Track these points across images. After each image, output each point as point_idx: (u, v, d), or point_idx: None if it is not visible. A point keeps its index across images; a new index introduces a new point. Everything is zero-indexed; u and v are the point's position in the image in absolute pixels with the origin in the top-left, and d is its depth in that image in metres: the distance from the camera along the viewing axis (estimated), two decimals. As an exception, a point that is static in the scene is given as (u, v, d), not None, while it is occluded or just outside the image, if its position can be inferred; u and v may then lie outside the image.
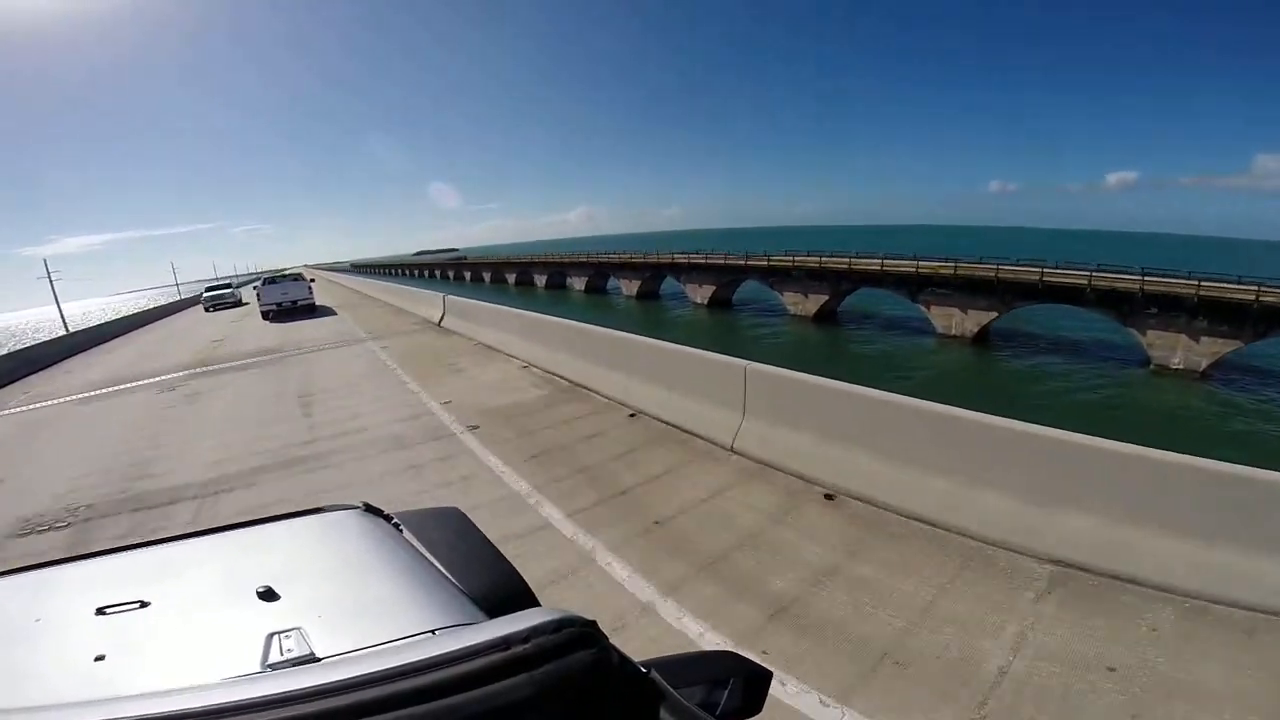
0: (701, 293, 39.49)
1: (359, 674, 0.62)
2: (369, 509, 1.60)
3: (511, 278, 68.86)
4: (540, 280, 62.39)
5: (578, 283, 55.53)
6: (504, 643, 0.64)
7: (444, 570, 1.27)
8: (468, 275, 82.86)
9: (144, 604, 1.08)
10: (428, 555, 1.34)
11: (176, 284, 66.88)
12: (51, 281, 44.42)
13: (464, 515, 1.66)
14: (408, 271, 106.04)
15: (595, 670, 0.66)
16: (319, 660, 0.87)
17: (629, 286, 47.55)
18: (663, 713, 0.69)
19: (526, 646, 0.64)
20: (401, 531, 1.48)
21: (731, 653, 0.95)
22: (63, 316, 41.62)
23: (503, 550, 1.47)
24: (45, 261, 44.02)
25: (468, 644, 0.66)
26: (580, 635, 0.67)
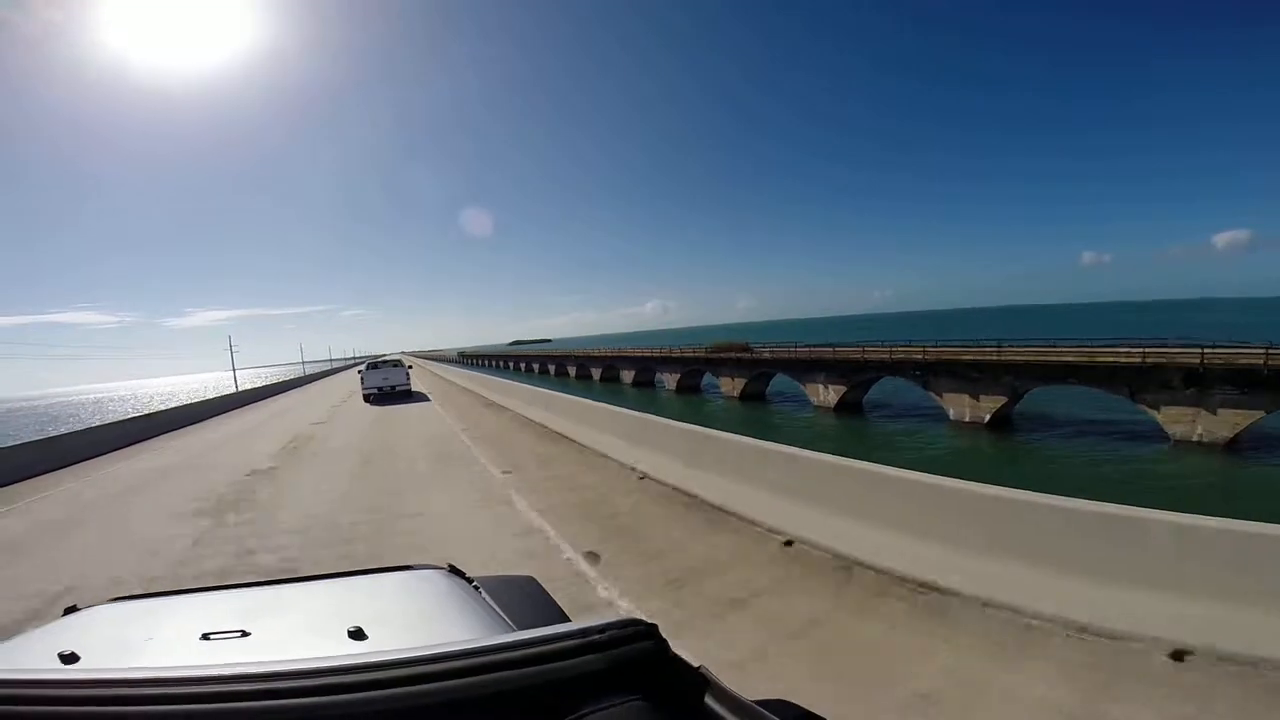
0: (826, 394, 34.22)
1: (453, 648, 0.78)
2: (453, 570, 1.77)
3: (597, 372, 66.29)
4: (627, 376, 59.24)
5: (668, 380, 51.75)
6: (583, 632, 0.81)
7: (516, 628, 1.34)
8: (552, 369, 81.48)
9: (245, 634, 1.18)
10: (503, 615, 1.44)
11: (234, 369, 64.04)
12: None
13: (538, 583, 1.85)
14: (503, 363, 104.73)
15: (654, 656, 0.82)
16: None
17: (730, 385, 42.93)
18: (708, 697, 0.81)
19: (601, 636, 0.81)
20: (480, 592, 1.61)
21: (785, 701, 0.98)
22: None
23: None
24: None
25: (555, 631, 0.84)
26: (644, 631, 0.83)
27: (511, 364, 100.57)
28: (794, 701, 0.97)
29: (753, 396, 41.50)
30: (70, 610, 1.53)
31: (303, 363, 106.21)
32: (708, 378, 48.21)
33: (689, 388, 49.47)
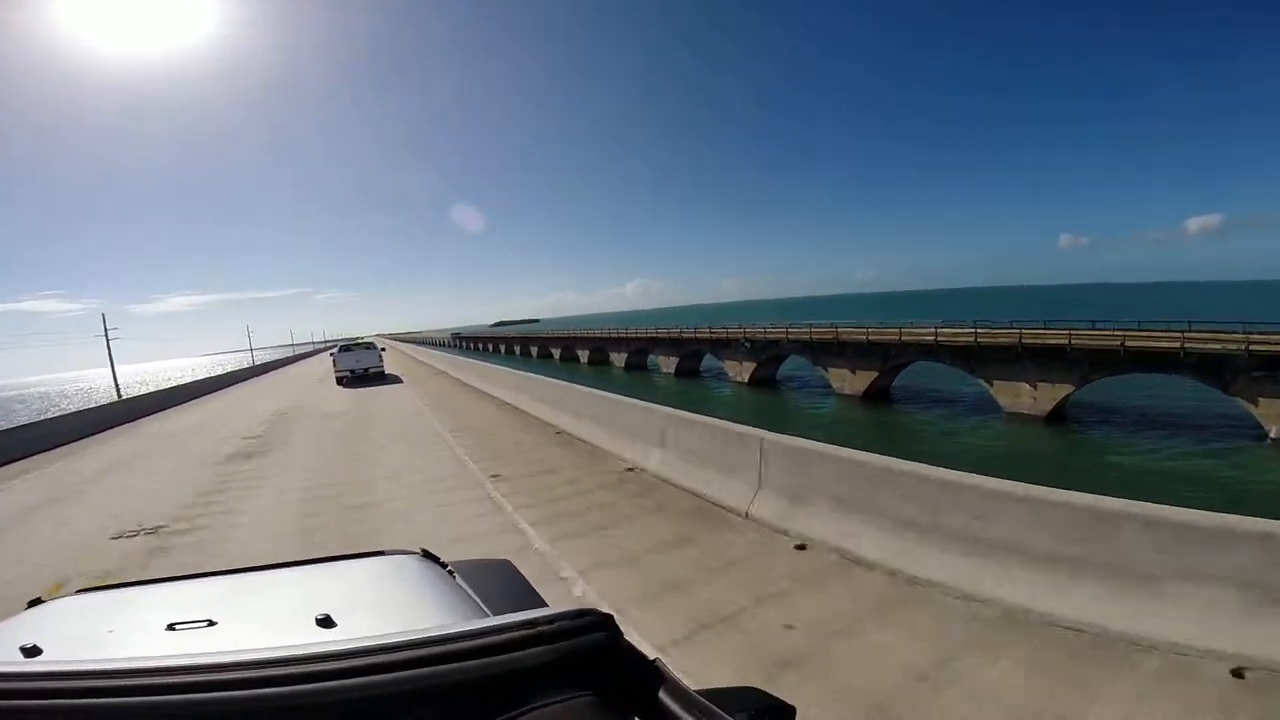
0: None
1: (392, 640, 0.74)
2: (426, 555, 1.72)
3: (585, 354, 62.11)
4: (619, 359, 55.26)
5: (665, 363, 47.86)
6: (531, 623, 0.78)
7: (491, 614, 1.34)
8: (534, 350, 77.07)
9: (211, 623, 1.16)
10: (477, 600, 1.41)
11: (111, 362, 46.31)
12: None
13: (513, 566, 1.83)
14: (487, 346, 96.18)
15: (604, 649, 0.77)
16: None
17: (737, 369, 39.17)
18: (661, 692, 0.77)
19: (550, 627, 0.77)
20: (454, 577, 1.58)
21: (753, 688, 0.95)
22: None
23: None
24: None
25: (500, 622, 0.80)
26: (596, 622, 0.79)
27: (510, 348, 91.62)
28: (762, 689, 0.92)
29: (763, 382, 37.62)
30: (35, 603, 1.49)
31: (250, 350, 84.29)
32: (707, 361, 44.28)
33: (687, 370, 45.44)
